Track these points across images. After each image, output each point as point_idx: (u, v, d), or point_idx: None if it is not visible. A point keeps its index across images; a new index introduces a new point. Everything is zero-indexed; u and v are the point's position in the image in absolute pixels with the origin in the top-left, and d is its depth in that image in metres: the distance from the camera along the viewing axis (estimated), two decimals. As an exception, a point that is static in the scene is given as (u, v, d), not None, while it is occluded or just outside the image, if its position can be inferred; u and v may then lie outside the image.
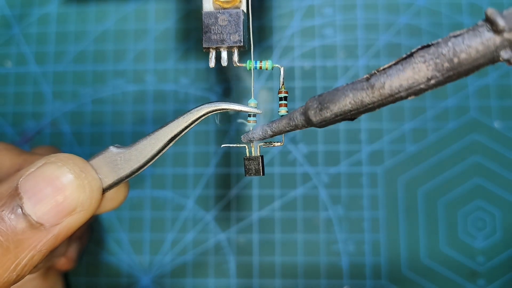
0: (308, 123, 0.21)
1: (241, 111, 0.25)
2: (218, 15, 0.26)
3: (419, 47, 0.17)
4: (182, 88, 0.41)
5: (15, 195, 0.23)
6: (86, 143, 0.41)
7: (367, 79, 0.18)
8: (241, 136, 0.26)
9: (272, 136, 0.25)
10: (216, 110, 0.25)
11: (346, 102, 0.19)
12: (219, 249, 0.39)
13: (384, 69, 0.18)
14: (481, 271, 0.38)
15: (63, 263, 0.36)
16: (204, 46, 0.26)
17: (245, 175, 0.26)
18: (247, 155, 0.26)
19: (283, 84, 0.26)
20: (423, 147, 0.39)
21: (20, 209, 0.22)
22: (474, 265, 0.38)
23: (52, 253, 0.33)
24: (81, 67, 0.42)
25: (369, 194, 0.39)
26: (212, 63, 0.27)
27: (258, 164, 0.26)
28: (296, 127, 0.23)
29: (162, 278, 0.39)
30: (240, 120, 0.28)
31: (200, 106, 0.25)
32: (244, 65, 0.26)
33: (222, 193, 0.40)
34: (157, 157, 0.26)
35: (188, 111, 0.25)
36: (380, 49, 0.40)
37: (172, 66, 0.42)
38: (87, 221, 0.25)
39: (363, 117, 0.39)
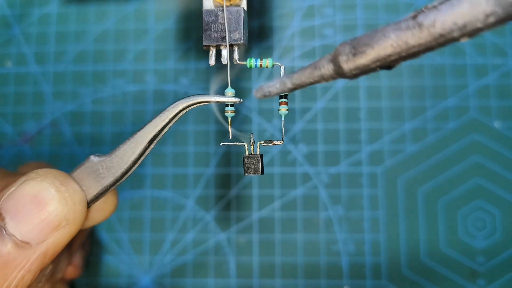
0: (338, 72, 0.18)
1: (218, 102, 0.25)
2: (218, 13, 0.26)
3: None
4: (182, 88, 0.41)
5: None
6: (86, 143, 0.41)
7: (414, 17, 0.16)
8: (254, 91, 0.23)
9: (291, 90, 0.21)
10: (192, 105, 0.25)
11: (387, 45, 0.17)
12: (219, 249, 0.39)
13: (434, 6, 0.16)
14: (481, 271, 0.38)
15: (70, 271, 0.36)
16: (204, 44, 0.26)
17: (244, 174, 0.26)
18: (246, 153, 0.26)
19: (283, 83, 0.26)
20: (423, 147, 0.39)
21: (4, 230, 0.22)
22: (474, 265, 0.38)
23: (57, 267, 0.33)
24: (81, 67, 0.42)
25: (369, 194, 0.39)
26: (212, 61, 0.27)
27: (258, 163, 0.26)
28: (321, 78, 0.19)
29: (162, 278, 0.39)
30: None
31: (175, 103, 0.25)
32: (244, 63, 0.26)
33: (222, 193, 0.40)
34: (139, 160, 0.25)
35: (164, 109, 0.25)
36: (380, 49, 0.40)
37: (172, 66, 0.42)
38: (86, 232, 0.24)
39: (363, 117, 0.39)
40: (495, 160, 0.38)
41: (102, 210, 0.28)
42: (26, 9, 0.43)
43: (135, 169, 0.25)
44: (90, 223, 0.28)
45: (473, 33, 0.15)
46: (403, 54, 0.17)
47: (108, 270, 0.40)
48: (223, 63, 0.27)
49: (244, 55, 0.27)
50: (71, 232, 0.24)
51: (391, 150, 0.39)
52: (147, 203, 0.40)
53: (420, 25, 0.16)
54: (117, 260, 0.40)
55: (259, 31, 0.41)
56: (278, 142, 0.26)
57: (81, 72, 0.42)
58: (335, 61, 0.18)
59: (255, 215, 0.39)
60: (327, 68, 0.19)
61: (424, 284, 0.38)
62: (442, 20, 0.15)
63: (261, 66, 0.26)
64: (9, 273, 0.22)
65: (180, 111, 0.25)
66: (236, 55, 0.27)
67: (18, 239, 0.22)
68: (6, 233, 0.22)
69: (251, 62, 0.26)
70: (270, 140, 0.26)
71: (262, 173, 0.26)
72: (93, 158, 0.25)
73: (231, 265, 0.39)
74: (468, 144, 0.39)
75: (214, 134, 0.40)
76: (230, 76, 0.26)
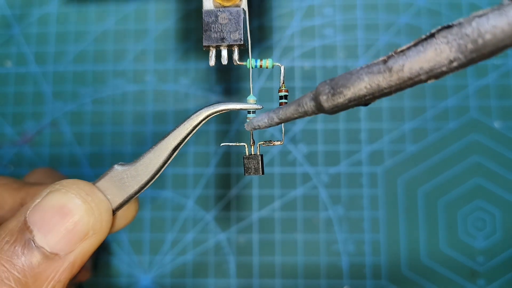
0: (319, 109, 0.20)
1: (240, 109, 0.25)
2: (218, 14, 0.26)
3: (440, 27, 0.16)
4: (182, 88, 0.41)
5: (24, 229, 0.22)
6: (86, 143, 0.41)
7: (384, 61, 0.17)
8: (245, 125, 0.25)
9: (278, 123, 0.23)
10: (215, 112, 0.25)
11: (361, 87, 0.18)
12: (219, 249, 0.39)
13: (402, 51, 0.17)
14: (481, 271, 0.38)
15: (82, 274, 0.36)
16: (204, 44, 0.26)
17: (245, 174, 0.26)
18: (247, 154, 0.26)
19: (283, 83, 0.26)
20: (423, 147, 0.39)
21: (33, 243, 0.22)
22: (474, 265, 0.38)
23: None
24: (81, 67, 0.42)
25: (369, 194, 0.39)
26: (212, 62, 0.27)
27: (258, 163, 0.26)
28: (305, 114, 0.21)
29: (162, 278, 0.39)
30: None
31: (199, 110, 0.25)
32: (244, 63, 0.26)
33: (222, 193, 0.40)
34: (163, 168, 0.25)
35: (188, 117, 0.25)
36: (380, 49, 0.40)
37: (172, 66, 0.42)
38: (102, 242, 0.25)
39: (363, 117, 0.39)
40: (495, 160, 0.38)
41: (125, 216, 0.28)
42: (26, 9, 0.43)
43: (159, 176, 0.26)
44: (113, 230, 0.28)
45: (439, 75, 0.16)
46: (376, 94, 0.18)
47: (108, 270, 0.40)
48: (223, 63, 0.27)
49: (244, 56, 0.27)
50: (98, 241, 0.24)
51: (391, 150, 0.39)
52: (147, 203, 0.40)
53: (390, 70, 0.17)
54: (117, 260, 0.40)
55: (259, 31, 0.41)
56: (278, 143, 0.26)
57: (81, 72, 0.42)
58: (316, 99, 0.20)
59: (255, 215, 0.39)
60: (310, 106, 0.20)
61: (424, 284, 0.38)
62: (410, 65, 0.17)
63: (261, 66, 0.26)
64: (40, 285, 0.22)
65: (204, 118, 0.25)
66: (235, 56, 0.27)
67: (47, 251, 0.22)
68: (35, 245, 0.22)
69: (251, 62, 0.26)
70: (270, 141, 0.26)
71: (262, 173, 0.26)
72: (117, 167, 0.25)
73: (231, 265, 0.39)
74: (468, 144, 0.39)
75: (214, 134, 0.40)
76: (251, 82, 0.27)
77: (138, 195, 0.26)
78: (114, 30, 0.43)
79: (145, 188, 0.25)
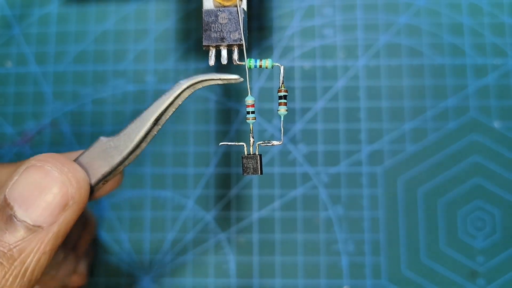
0: None
1: (220, 79, 0.25)
2: (218, 13, 0.26)
3: None
4: (182, 88, 0.41)
5: (5, 206, 0.23)
6: (86, 143, 0.41)
7: None
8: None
9: None
10: (195, 83, 0.25)
11: None
12: (219, 249, 0.39)
13: None
14: (481, 271, 0.38)
15: (75, 280, 0.36)
16: (204, 44, 0.26)
17: (243, 174, 0.26)
18: (245, 153, 0.26)
19: (283, 83, 0.26)
20: (423, 147, 0.39)
21: (15, 218, 0.22)
22: (474, 265, 0.38)
23: (63, 273, 0.34)
24: (81, 67, 0.42)
25: (369, 194, 0.39)
26: (211, 62, 0.27)
27: (256, 163, 0.26)
28: None
29: (162, 277, 0.39)
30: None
31: (179, 81, 0.25)
32: (243, 63, 0.26)
33: (222, 193, 0.40)
34: (146, 139, 0.26)
35: (169, 89, 0.26)
36: (380, 49, 0.40)
37: (172, 66, 0.42)
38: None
39: (363, 117, 0.39)
40: (495, 160, 0.38)
41: (109, 184, 0.29)
42: (26, 9, 0.43)
43: (143, 149, 0.26)
44: (99, 194, 0.29)
45: None
46: None
47: (108, 270, 0.40)
48: (222, 63, 0.27)
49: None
50: (79, 209, 0.25)
51: (391, 150, 0.39)
52: (147, 203, 0.40)
53: None
54: (117, 260, 0.40)
55: (259, 31, 0.41)
56: (277, 143, 0.26)
57: (81, 72, 0.42)
58: None
59: (255, 215, 0.39)
60: None
61: (424, 284, 0.38)
62: None
63: (260, 66, 0.26)
64: (26, 257, 0.22)
65: (184, 90, 0.26)
66: (235, 56, 0.27)
67: (30, 224, 0.23)
68: (17, 220, 0.22)
69: (251, 62, 0.26)
70: (269, 141, 0.26)
71: (261, 173, 0.26)
72: (102, 139, 0.26)
73: (231, 265, 0.39)
74: (468, 144, 0.39)
75: (214, 134, 0.40)
76: (248, 82, 0.27)
77: (123, 166, 0.26)
78: (114, 30, 0.43)
79: (129, 159, 0.26)
